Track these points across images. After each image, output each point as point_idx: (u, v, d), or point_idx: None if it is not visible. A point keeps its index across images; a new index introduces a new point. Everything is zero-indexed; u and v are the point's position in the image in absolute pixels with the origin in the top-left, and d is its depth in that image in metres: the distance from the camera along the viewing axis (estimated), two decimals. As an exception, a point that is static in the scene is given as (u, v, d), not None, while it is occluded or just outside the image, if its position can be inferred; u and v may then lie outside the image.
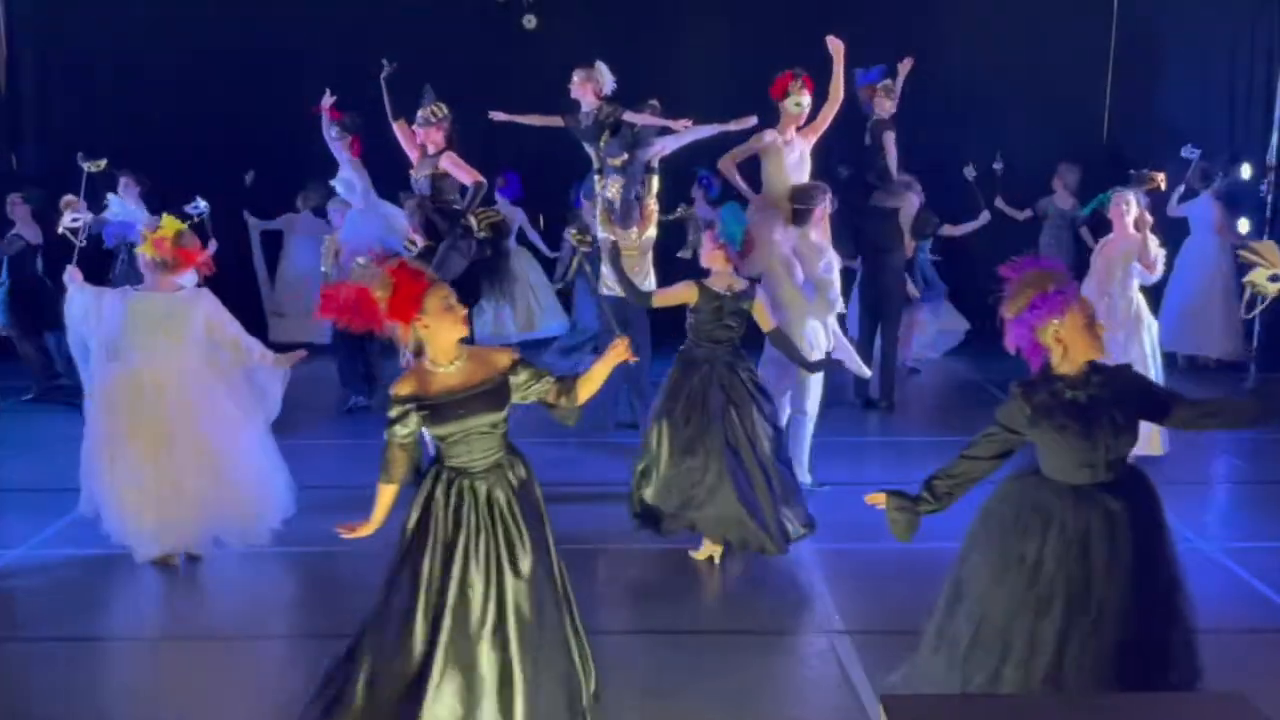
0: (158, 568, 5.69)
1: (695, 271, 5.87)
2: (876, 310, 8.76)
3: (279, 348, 5.99)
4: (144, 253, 5.59)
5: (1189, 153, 10.36)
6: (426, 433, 3.68)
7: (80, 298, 5.70)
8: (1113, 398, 3.53)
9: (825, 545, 5.95)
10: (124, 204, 7.70)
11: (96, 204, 8.43)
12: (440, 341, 3.61)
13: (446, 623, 3.53)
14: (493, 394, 3.63)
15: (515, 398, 3.71)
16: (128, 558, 5.70)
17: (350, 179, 8.66)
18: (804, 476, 6.66)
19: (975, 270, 9.71)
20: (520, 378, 3.70)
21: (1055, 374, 3.57)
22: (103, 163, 8.99)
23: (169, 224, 5.56)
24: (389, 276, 3.53)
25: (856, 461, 7.38)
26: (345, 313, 3.56)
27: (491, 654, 3.56)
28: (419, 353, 3.64)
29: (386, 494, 3.76)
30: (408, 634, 3.57)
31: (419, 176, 7.42)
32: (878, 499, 3.83)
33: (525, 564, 3.61)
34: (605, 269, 7.90)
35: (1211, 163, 10.37)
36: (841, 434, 7.83)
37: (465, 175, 7.10)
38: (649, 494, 5.60)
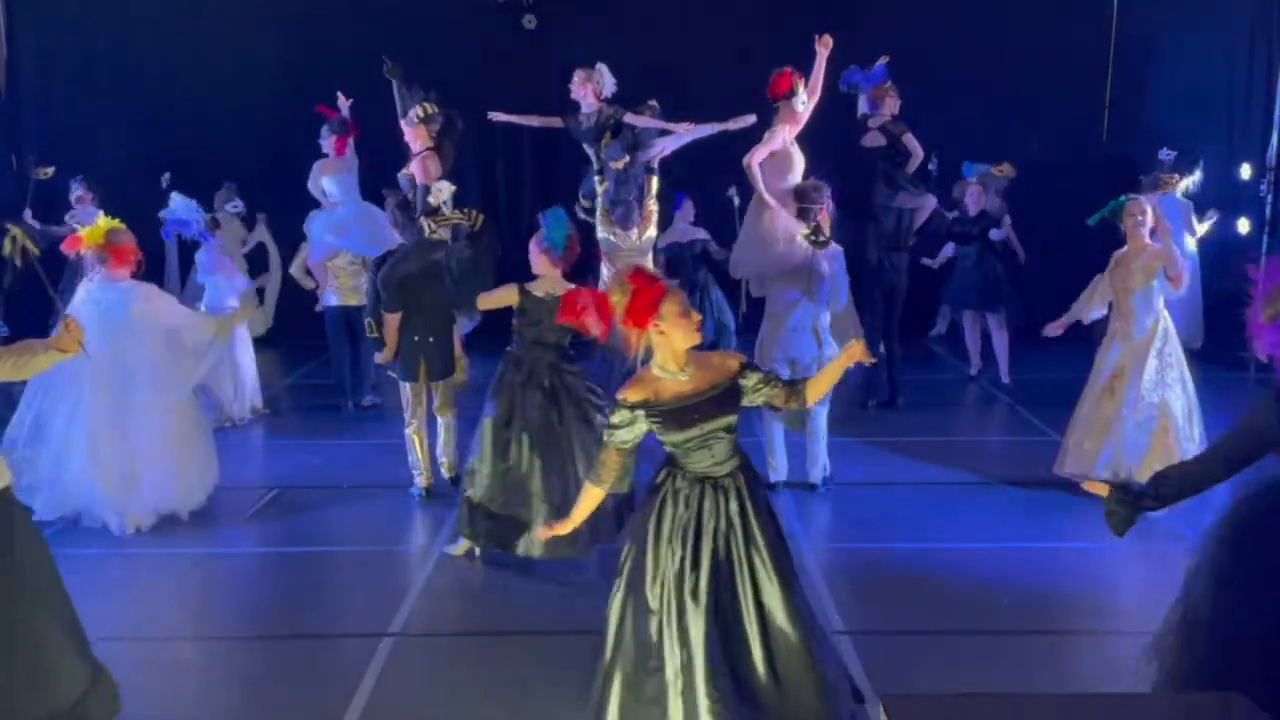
0: (155, 566, 5.75)
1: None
2: (884, 308, 8.62)
3: None
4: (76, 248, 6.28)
5: (1165, 155, 10.43)
6: (662, 440, 3.62)
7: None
8: None
9: (825, 545, 5.94)
10: (185, 202, 7.82)
11: (43, 210, 9.21)
12: (674, 347, 3.55)
13: (705, 628, 3.50)
14: (725, 397, 3.60)
15: (745, 401, 3.68)
16: (123, 557, 5.78)
17: (312, 180, 8.59)
18: (818, 473, 6.66)
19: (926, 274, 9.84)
20: (750, 380, 3.67)
21: None
22: (50, 170, 9.26)
23: (102, 223, 6.13)
24: (628, 282, 3.49)
25: (858, 462, 7.34)
26: (584, 317, 3.55)
27: (752, 658, 3.54)
28: (647, 359, 3.59)
29: (593, 496, 3.72)
30: (664, 641, 3.52)
31: (402, 175, 7.42)
32: (1098, 488, 3.65)
33: (775, 566, 3.59)
34: (604, 270, 7.91)
35: (1181, 164, 10.40)
36: (842, 434, 7.80)
37: (420, 176, 7.05)
38: (474, 492, 5.64)
